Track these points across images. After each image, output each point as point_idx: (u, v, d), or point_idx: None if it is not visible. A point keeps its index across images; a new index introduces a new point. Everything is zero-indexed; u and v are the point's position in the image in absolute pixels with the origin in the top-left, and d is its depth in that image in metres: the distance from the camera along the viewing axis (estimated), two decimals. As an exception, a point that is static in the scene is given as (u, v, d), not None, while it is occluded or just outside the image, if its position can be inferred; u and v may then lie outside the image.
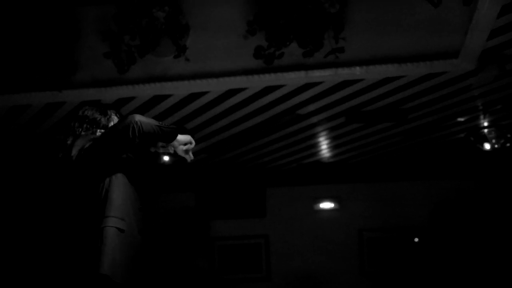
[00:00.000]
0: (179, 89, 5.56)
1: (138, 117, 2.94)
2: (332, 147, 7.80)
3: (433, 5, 4.93)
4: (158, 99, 5.75)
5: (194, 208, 9.02)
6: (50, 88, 5.51)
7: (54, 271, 3.11)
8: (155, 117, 5.93)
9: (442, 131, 7.21)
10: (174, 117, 6.18)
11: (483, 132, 6.83)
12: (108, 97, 5.58)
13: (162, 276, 8.74)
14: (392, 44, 5.28)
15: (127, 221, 3.00)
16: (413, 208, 8.74)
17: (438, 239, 8.56)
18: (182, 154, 3.19)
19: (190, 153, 3.22)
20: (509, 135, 6.77)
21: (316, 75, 5.36)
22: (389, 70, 5.32)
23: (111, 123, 3.29)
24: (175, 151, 3.19)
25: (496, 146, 6.80)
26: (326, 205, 8.91)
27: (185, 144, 3.18)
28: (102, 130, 3.25)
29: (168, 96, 5.70)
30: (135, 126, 2.90)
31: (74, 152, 3.08)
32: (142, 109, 5.90)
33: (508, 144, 6.81)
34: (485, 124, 6.80)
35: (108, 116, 3.32)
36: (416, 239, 8.67)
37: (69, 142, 3.19)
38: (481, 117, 6.70)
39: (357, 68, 5.30)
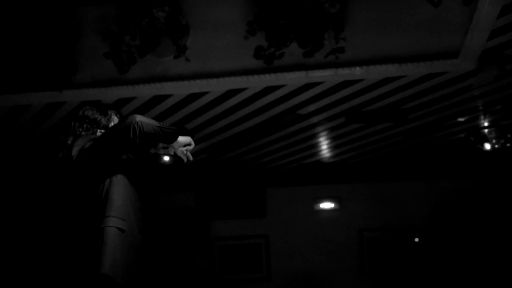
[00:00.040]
0: (179, 89, 5.56)
1: (139, 118, 2.93)
2: (332, 147, 7.80)
3: (433, 5, 4.93)
4: (158, 99, 5.75)
5: (194, 208, 9.02)
6: (50, 88, 5.51)
7: (55, 271, 3.11)
8: (155, 118, 5.93)
9: (442, 131, 7.21)
10: (174, 117, 6.18)
11: (483, 132, 6.82)
12: (108, 97, 5.58)
13: (162, 276, 8.74)
14: (392, 44, 5.28)
15: (128, 221, 3.00)
16: (413, 208, 8.73)
17: (438, 239, 8.56)
18: (182, 156, 3.19)
19: (189, 154, 3.22)
20: (509, 135, 6.77)
21: (316, 75, 5.36)
22: (389, 70, 5.32)
23: (112, 123, 3.29)
24: (175, 153, 3.19)
25: (496, 146, 6.80)
26: (326, 205, 8.91)
27: (185, 145, 3.18)
28: (103, 130, 3.25)
29: (168, 96, 5.70)
30: (136, 126, 2.90)
31: (74, 152, 3.08)
32: (142, 109, 5.90)
33: (508, 144, 6.81)
34: (485, 124, 6.80)
35: (108, 116, 3.32)
36: (416, 239, 8.67)
37: (69, 142, 3.19)
38: (481, 117, 6.70)
39: (357, 68, 5.30)
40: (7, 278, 8.24)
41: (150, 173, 3.31)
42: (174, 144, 3.13)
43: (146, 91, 5.55)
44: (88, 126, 3.25)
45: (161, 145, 3.16)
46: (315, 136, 7.20)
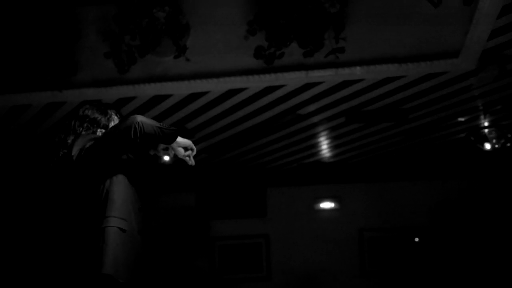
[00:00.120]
0: (180, 89, 5.56)
1: (140, 118, 2.93)
2: (333, 147, 7.80)
3: (433, 5, 4.93)
4: (159, 99, 5.75)
5: (195, 208, 9.02)
6: (50, 88, 5.51)
7: (56, 272, 3.11)
8: (155, 117, 5.95)
9: (442, 131, 7.21)
10: (175, 117, 6.18)
11: (484, 132, 6.83)
12: (108, 97, 5.58)
13: (162, 276, 8.75)
14: (393, 44, 5.28)
15: (128, 221, 3.00)
16: (413, 208, 8.73)
17: (439, 239, 8.56)
18: (183, 159, 3.19)
19: (192, 158, 3.22)
20: (509, 135, 6.78)
21: (317, 75, 5.36)
22: (390, 70, 5.32)
23: (112, 123, 3.29)
24: (175, 154, 3.18)
25: (496, 146, 6.81)
26: (327, 205, 8.91)
27: (186, 149, 3.18)
28: (103, 130, 3.24)
29: (169, 96, 5.70)
30: (137, 126, 2.90)
31: (75, 151, 3.07)
32: (143, 109, 5.90)
33: (508, 144, 6.82)
34: (486, 124, 6.81)
35: (108, 116, 3.31)
36: (417, 239, 8.67)
37: (69, 141, 3.18)
38: (482, 117, 6.70)
39: (358, 68, 5.30)
40: (8, 278, 8.24)
41: (149, 173, 3.30)
42: (174, 145, 3.13)
43: (146, 91, 5.55)
44: (88, 126, 3.24)
45: (161, 146, 3.16)
46: (315, 136, 7.20)
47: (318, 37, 5.12)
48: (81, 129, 3.22)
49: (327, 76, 5.38)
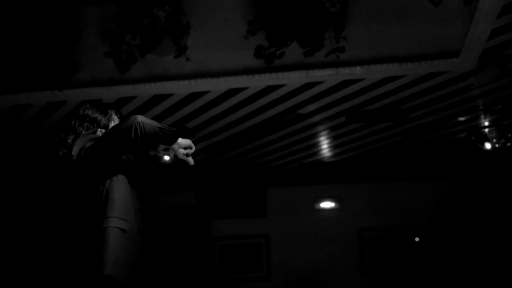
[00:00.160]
0: (180, 89, 5.56)
1: (141, 118, 2.92)
2: (333, 147, 7.80)
3: (433, 5, 4.93)
4: (159, 98, 5.75)
5: (195, 208, 9.02)
6: (50, 87, 5.51)
7: (56, 272, 3.10)
8: (155, 117, 5.96)
9: (442, 131, 7.21)
10: (175, 117, 6.18)
11: (484, 131, 6.83)
12: (108, 96, 5.57)
13: (162, 276, 8.74)
14: (393, 43, 5.28)
15: (129, 221, 2.99)
16: (413, 208, 8.73)
17: (439, 239, 8.56)
18: (183, 158, 3.19)
19: (190, 158, 3.21)
20: (509, 135, 6.77)
21: (317, 74, 5.36)
22: (390, 69, 5.32)
23: (112, 123, 3.28)
24: (175, 155, 3.18)
25: (496, 145, 6.80)
26: (327, 204, 8.91)
27: (185, 148, 3.17)
28: (103, 130, 3.24)
29: (169, 95, 5.70)
30: (138, 126, 2.89)
31: (75, 151, 3.07)
32: (143, 109, 5.90)
33: (508, 144, 6.82)
34: (486, 123, 6.81)
35: (108, 116, 3.31)
36: (417, 239, 8.67)
37: (69, 140, 3.17)
38: (482, 116, 6.70)
39: (358, 67, 5.30)
40: (9, 279, 8.23)
41: (149, 174, 3.30)
42: (174, 146, 3.12)
43: (146, 90, 5.55)
44: (89, 125, 3.24)
45: (161, 147, 3.15)
46: (315, 135, 7.20)
47: (319, 36, 5.12)
48: (81, 129, 3.22)
49: (328, 76, 5.38)
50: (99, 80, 5.51)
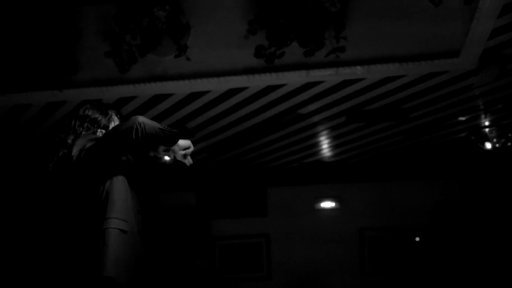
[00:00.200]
0: (180, 89, 5.56)
1: (142, 119, 2.92)
2: (333, 147, 7.80)
3: (434, 4, 4.93)
4: (159, 98, 5.75)
5: (195, 207, 9.02)
6: (51, 87, 5.51)
7: (56, 274, 3.10)
8: (156, 117, 5.96)
9: (443, 131, 7.20)
10: (175, 117, 6.18)
11: (484, 131, 6.83)
12: (109, 96, 5.57)
13: (163, 276, 8.74)
14: (393, 43, 5.28)
15: (129, 222, 2.99)
16: (414, 207, 8.73)
17: (439, 238, 8.56)
18: (181, 159, 3.18)
19: (189, 158, 3.21)
20: (510, 134, 6.77)
21: (317, 74, 5.36)
22: (390, 69, 5.32)
23: (112, 123, 3.27)
24: (175, 156, 3.17)
25: (497, 145, 6.80)
26: (327, 204, 8.91)
27: (184, 149, 3.17)
28: (103, 130, 3.23)
29: (169, 95, 5.70)
30: (139, 127, 2.88)
31: (75, 152, 3.06)
32: (143, 109, 5.90)
33: (509, 143, 6.81)
34: (486, 123, 6.80)
35: (109, 116, 3.30)
36: (417, 238, 8.67)
37: (69, 141, 3.16)
38: (482, 116, 6.70)
39: (358, 67, 5.30)
40: (9, 281, 8.22)
41: (149, 175, 3.29)
42: (174, 147, 3.11)
43: (146, 90, 5.55)
44: (89, 126, 3.23)
45: (161, 148, 3.14)
46: (315, 135, 7.20)
47: (319, 36, 5.12)
48: (81, 129, 3.21)
49: (328, 76, 5.38)
50: (99, 80, 5.51)
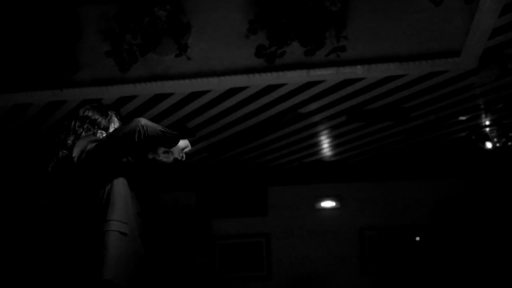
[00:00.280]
0: (181, 88, 5.56)
1: (144, 121, 2.91)
2: (334, 146, 7.80)
3: (434, 4, 4.93)
4: (160, 97, 5.75)
5: (195, 207, 9.02)
6: (51, 87, 5.51)
7: (56, 276, 3.09)
8: (156, 116, 5.96)
9: (443, 130, 7.21)
10: (175, 116, 6.18)
11: (485, 131, 6.82)
12: (109, 96, 5.58)
13: (163, 276, 8.74)
14: (394, 43, 5.28)
15: (129, 224, 2.98)
16: (414, 207, 8.73)
17: (440, 238, 8.56)
18: (177, 156, 3.17)
19: (183, 155, 3.21)
20: (510, 134, 6.77)
21: (318, 73, 5.36)
22: (391, 68, 5.32)
23: (112, 124, 3.26)
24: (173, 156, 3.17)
25: (497, 145, 6.80)
26: (328, 203, 8.91)
27: (183, 149, 3.17)
28: (103, 131, 3.22)
29: (170, 94, 5.70)
30: (141, 129, 2.88)
31: (75, 153, 3.05)
32: (144, 108, 5.90)
33: (509, 143, 6.81)
34: (487, 123, 6.80)
35: (108, 117, 3.29)
36: (418, 238, 8.67)
37: (69, 142, 3.16)
38: (483, 116, 6.70)
39: (359, 67, 5.30)
40: (9, 283, 8.21)
41: (149, 176, 3.29)
42: (174, 149, 3.11)
43: (147, 89, 5.55)
44: (89, 127, 3.22)
45: (161, 150, 3.14)
46: (316, 134, 7.20)
47: (319, 35, 5.12)
48: (81, 130, 3.20)
49: (328, 75, 5.38)
50: (99, 80, 5.51)
